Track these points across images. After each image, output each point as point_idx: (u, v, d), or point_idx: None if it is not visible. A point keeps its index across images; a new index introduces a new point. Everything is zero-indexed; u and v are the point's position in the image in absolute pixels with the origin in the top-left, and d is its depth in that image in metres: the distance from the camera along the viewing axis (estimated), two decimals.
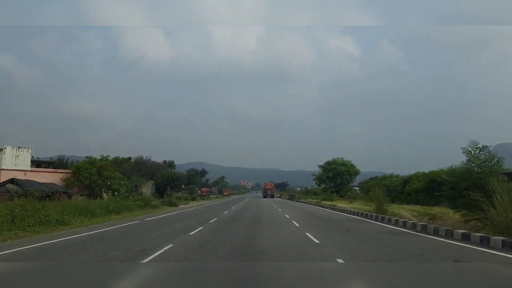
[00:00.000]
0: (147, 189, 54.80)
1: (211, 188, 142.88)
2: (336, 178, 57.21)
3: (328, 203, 37.26)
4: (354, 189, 60.05)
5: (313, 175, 60.74)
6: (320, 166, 60.55)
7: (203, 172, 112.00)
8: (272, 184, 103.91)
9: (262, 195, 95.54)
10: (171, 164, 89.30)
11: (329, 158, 61.47)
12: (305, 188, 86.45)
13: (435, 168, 32.61)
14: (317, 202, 40.83)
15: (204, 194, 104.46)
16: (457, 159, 13.90)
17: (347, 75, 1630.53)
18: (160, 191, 56.56)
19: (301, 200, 55.05)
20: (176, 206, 36.84)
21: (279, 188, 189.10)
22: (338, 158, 59.39)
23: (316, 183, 62.10)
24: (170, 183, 57.30)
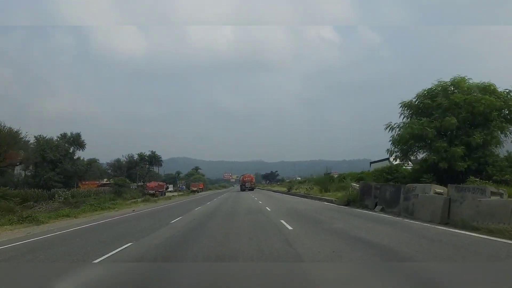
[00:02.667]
0: None
1: (177, 184, 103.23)
2: (471, 132, 18.57)
3: None
4: None
5: (391, 128, 21.48)
6: (406, 106, 21.28)
7: (153, 159, 71.04)
8: (252, 176, 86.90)
9: (241, 189, 77.94)
10: (76, 140, 47.51)
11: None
12: (329, 174, 46.37)
13: None
14: None
15: (151, 191, 65.04)
16: None
17: (328, 62, 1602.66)
18: None
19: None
20: None
21: (268, 179, 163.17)
22: (463, 78, 20.60)
23: (392, 152, 22.76)
24: None
